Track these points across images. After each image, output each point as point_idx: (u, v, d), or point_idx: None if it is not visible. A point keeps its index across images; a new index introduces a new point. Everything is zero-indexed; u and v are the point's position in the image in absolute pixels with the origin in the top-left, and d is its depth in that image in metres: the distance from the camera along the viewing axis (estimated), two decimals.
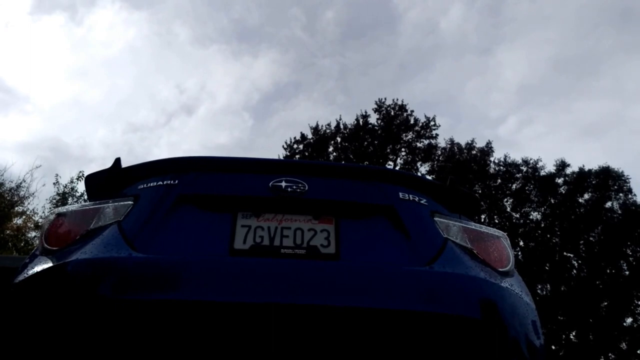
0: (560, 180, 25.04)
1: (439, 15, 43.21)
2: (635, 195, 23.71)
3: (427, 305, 1.59)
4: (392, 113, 25.69)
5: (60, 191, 18.98)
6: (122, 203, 1.86)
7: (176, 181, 1.91)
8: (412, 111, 25.69)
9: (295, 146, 25.02)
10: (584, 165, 24.89)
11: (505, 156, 25.47)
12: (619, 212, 23.71)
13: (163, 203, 1.84)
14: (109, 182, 2.06)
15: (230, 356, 1.48)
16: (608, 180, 24.07)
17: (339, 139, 25.45)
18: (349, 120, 26.11)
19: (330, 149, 25.24)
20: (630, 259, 23.08)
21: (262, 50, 46.31)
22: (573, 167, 25.03)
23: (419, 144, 25.64)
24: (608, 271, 23.17)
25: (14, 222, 17.54)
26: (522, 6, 41.60)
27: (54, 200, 18.53)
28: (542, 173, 25.01)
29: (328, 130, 25.44)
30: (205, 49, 47.30)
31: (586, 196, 24.62)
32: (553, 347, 21.89)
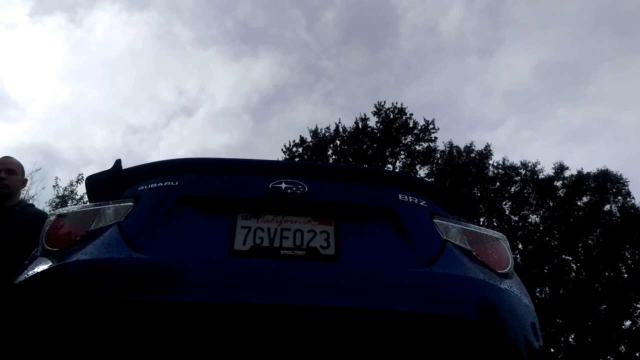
0: (559, 184, 25.07)
1: (438, 17, 43.34)
2: (633, 198, 23.77)
3: (426, 307, 1.59)
4: (391, 116, 25.66)
5: (60, 194, 18.93)
6: (122, 204, 1.86)
7: (176, 183, 1.91)
8: (411, 114, 25.70)
9: (294, 149, 24.98)
10: (582, 168, 24.96)
11: (504, 159, 25.51)
12: (618, 215, 23.74)
13: (163, 204, 1.84)
14: (110, 183, 2.06)
15: (230, 357, 1.49)
16: (606, 183, 24.10)
17: (338, 142, 25.43)
18: (348, 123, 26.07)
19: (330, 152, 25.21)
20: (629, 261, 23.10)
21: (261, 51, 46.44)
22: (572, 170, 25.10)
23: (418, 147, 25.63)
24: (607, 274, 23.18)
25: None
26: (520, 8, 41.69)
27: (54, 204, 18.48)
28: (541, 176, 25.04)
29: (327, 134, 25.42)
30: (205, 51, 47.41)
31: (585, 199, 24.64)
32: (552, 350, 21.87)
